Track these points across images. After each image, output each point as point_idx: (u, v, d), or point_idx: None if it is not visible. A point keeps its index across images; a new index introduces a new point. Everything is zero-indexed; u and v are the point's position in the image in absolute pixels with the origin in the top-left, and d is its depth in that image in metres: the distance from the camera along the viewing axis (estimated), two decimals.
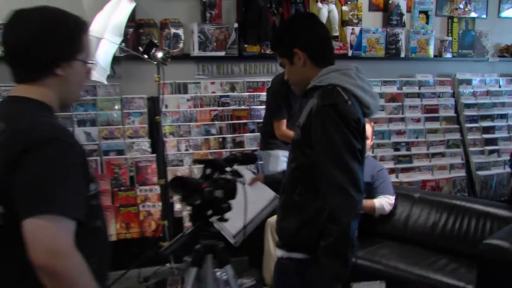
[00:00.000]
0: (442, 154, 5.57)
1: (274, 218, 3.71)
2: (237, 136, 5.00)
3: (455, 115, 5.77)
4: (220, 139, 4.95)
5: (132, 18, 4.67)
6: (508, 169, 5.54)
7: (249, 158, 2.32)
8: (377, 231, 4.03)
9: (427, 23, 5.74)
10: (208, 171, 2.04)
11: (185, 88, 4.98)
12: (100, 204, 1.68)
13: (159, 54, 3.88)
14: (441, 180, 5.45)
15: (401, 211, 3.99)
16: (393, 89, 5.54)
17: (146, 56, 3.89)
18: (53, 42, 1.55)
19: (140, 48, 4.04)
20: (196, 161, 2.12)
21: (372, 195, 3.95)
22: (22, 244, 1.37)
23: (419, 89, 5.67)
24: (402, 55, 5.62)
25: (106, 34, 3.85)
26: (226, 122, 5.01)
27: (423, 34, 5.69)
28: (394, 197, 3.96)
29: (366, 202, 3.90)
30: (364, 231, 3.87)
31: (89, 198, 1.54)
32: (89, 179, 1.56)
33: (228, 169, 2.08)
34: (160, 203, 4.62)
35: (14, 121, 1.50)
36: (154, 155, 4.70)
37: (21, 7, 1.59)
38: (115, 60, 4.52)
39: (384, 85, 5.52)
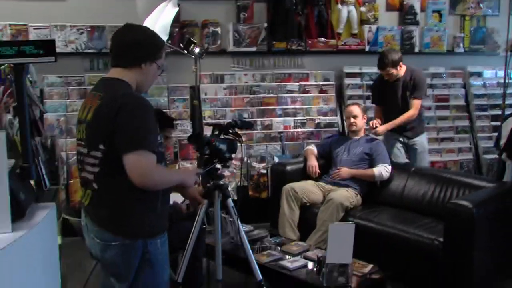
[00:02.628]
0: (451, 139, 6.21)
1: (289, 185, 4.56)
2: (266, 120, 5.80)
3: (465, 104, 6.38)
4: (251, 122, 5.77)
5: (177, 19, 5.59)
6: None
7: (246, 124, 3.10)
8: (378, 199, 4.72)
9: (440, 21, 6.37)
10: (216, 132, 2.85)
11: (222, 78, 5.83)
12: (163, 152, 2.53)
13: (196, 50, 4.72)
14: (449, 162, 6.10)
15: (398, 182, 4.68)
16: None
17: (185, 51, 4.72)
18: (145, 48, 2.40)
19: (181, 45, 4.87)
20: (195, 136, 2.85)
21: (371, 165, 4.67)
22: (117, 170, 2.20)
23: (431, 80, 6.30)
24: (416, 50, 6.28)
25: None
26: (257, 107, 5.82)
27: (436, 31, 6.33)
28: (390, 165, 4.67)
29: (366, 171, 4.66)
30: (368, 199, 4.66)
31: (158, 145, 2.39)
32: (157, 131, 2.42)
33: (230, 131, 2.88)
34: None
35: (111, 91, 2.33)
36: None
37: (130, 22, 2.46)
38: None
39: None
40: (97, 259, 2.47)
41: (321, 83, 6.05)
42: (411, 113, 4.85)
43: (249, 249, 2.90)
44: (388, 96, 4.95)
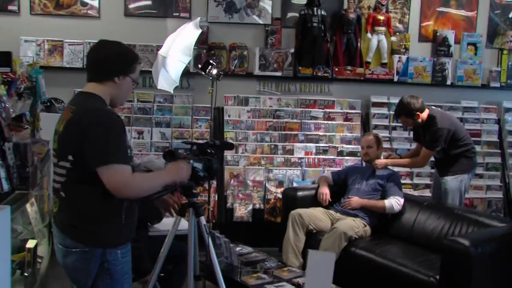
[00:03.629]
0: (480, 176, 5.99)
1: (296, 211, 4.54)
2: (287, 145, 5.81)
3: (498, 140, 6.16)
4: (272, 146, 5.80)
5: (204, 41, 5.74)
6: None
7: (225, 145, 3.12)
8: (389, 231, 4.61)
9: (475, 54, 6.21)
10: (196, 151, 2.88)
11: (247, 101, 5.90)
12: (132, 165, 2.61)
13: (214, 71, 4.80)
14: (476, 199, 5.88)
15: (409, 215, 4.55)
16: None
17: (203, 73, 4.82)
18: (117, 62, 2.49)
19: (199, 66, 4.98)
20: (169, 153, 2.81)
21: (383, 196, 4.59)
22: (82, 181, 2.29)
23: (463, 114, 6.13)
24: (448, 82, 6.14)
25: (176, 53, 4.84)
26: (279, 132, 5.84)
27: (471, 64, 6.17)
28: (402, 198, 4.57)
29: (377, 203, 4.57)
30: (378, 230, 4.57)
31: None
32: (127, 144, 2.49)
33: (208, 150, 2.91)
34: (216, 194, 5.55)
35: (83, 105, 2.44)
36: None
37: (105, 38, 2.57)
38: (190, 75, 5.58)
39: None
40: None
41: (347, 111, 6.01)
42: (417, 160, 4.74)
43: (218, 268, 2.89)
44: (422, 136, 4.84)
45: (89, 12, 5.68)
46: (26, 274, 2.56)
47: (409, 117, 4.63)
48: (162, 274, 3.19)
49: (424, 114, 4.62)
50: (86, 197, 2.35)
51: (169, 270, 3.35)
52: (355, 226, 4.41)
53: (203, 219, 2.83)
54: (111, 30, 5.68)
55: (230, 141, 5.70)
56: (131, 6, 5.75)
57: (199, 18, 4.96)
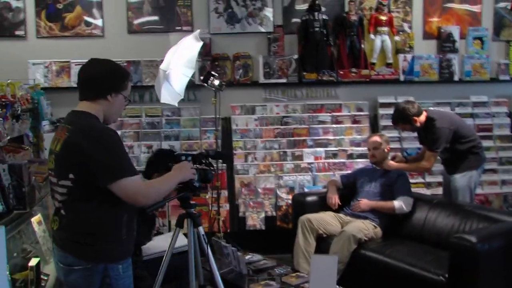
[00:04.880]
0: (494, 171, 5.91)
1: (305, 216, 4.54)
2: (296, 151, 5.81)
3: (510, 134, 6.07)
4: (281, 153, 5.81)
5: (208, 53, 5.79)
6: None
7: (220, 156, 3.15)
8: (400, 232, 4.57)
9: (482, 48, 6.15)
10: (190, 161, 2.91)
11: (253, 109, 5.93)
12: None
13: (216, 82, 4.84)
14: (491, 195, 5.80)
15: (420, 215, 4.51)
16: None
17: (205, 84, 4.86)
18: (109, 80, 2.53)
19: (201, 78, 5.02)
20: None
21: (393, 197, 4.56)
22: (84, 198, 2.33)
23: (472, 109, 6.06)
24: (456, 78, 6.08)
25: (179, 67, 4.89)
26: (287, 138, 5.85)
27: (478, 58, 6.10)
28: (412, 198, 4.53)
29: (386, 204, 4.55)
30: (389, 231, 4.54)
31: None
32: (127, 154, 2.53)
33: (203, 161, 2.94)
34: (228, 204, 5.57)
35: (79, 124, 2.48)
36: (225, 164, 5.69)
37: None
38: (196, 87, 5.64)
39: (437, 106, 5.98)
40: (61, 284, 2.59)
41: (355, 113, 6.00)
42: (423, 164, 4.65)
43: (219, 277, 2.90)
44: (424, 139, 4.79)
45: (93, 31, 5.79)
46: None
47: (407, 123, 4.60)
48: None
49: (422, 118, 4.58)
50: (87, 214, 2.38)
51: (176, 284, 3.39)
52: (364, 228, 4.39)
53: (201, 229, 2.86)
54: (115, 47, 5.78)
55: (237, 150, 5.74)
56: (135, 23, 5.84)
57: (198, 31, 5.02)
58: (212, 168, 2.91)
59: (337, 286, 3.54)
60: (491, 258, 3.42)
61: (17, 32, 5.74)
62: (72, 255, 2.40)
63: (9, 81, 3.25)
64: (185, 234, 3.10)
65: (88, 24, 5.77)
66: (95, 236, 2.39)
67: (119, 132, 5.61)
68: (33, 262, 2.65)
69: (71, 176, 2.35)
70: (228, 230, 5.48)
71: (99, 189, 2.34)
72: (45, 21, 5.72)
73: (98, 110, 2.51)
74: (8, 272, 2.46)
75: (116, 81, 2.54)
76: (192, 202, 2.87)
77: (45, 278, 2.95)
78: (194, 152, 2.91)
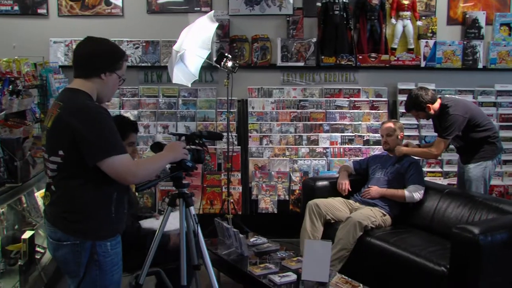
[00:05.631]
0: None
1: (313, 201, 4.51)
2: (312, 135, 5.76)
3: None
4: (297, 137, 5.77)
5: (227, 34, 5.77)
6: None
7: (213, 136, 3.13)
8: (410, 221, 4.50)
9: (509, 35, 5.95)
10: (184, 142, 2.91)
11: (270, 92, 5.89)
12: None
13: (229, 64, 4.82)
14: (511, 186, 5.64)
15: (431, 204, 4.42)
16: (468, 99, 5.79)
17: (218, 66, 4.85)
18: (105, 59, 2.54)
19: (214, 58, 5.01)
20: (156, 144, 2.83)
21: (404, 185, 4.48)
22: (73, 174, 2.37)
23: (496, 98, 5.88)
24: (480, 66, 5.91)
25: (194, 48, 4.88)
26: (303, 122, 5.80)
27: (504, 46, 5.91)
28: (423, 187, 4.45)
29: (397, 192, 4.47)
30: (399, 220, 4.48)
31: None
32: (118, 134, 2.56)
33: (196, 141, 2.93)
34: (241, 187, 5.58)
35: (70, 102, 2.53)
36: (239, 147, 5.69)
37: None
38: (213, 68, 5.63)
39: (459, 94, 5.84)
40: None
41: (373, 99, 5.90)
42: (431, 150, 4.54)
43: (208, 259, 2.90)
44: (438, 127, 4.69)
45: (113, 11, 5.83)
46: (20, 263, 2.67)
47: (420, 110, 4.50)
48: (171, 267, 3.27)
49: (436, 105, 4.46)
50: (76, 191, 2.40)
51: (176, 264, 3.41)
52: (372, 215, 4.33)
53: (192, 209, 2.87)
54: (134, 27, 5.82)
55: (253, 132, 5.72)
56: (154, 3, 5.86)
57: (213, 12, 4.99)
58: (205, 148, 2.90)
59: (339, 274, 3.54)
60: (493, 250, 3.32)
61: (39, 11, 5.83)
62: (61, 230, 2.44)
63: (16, 57, 3.31)
64: None
65: (108, 3, 5.82)
66: (83, 213, 2.42)
67: (135, 112, 5.74)
68: (26, 234, 2.70)
69: (60, 152, 2.38)
70: (240, 213, 5.50)
71: (88, 167, 2.35)
72: (67, 0, 5.80)
73: (91, 88, 2.52)
74: None
75: (110, 60, 2.54)
76: (184, 181, 2.87)
77: (42, 251, 3.00)
78: (188, 133, 2.89)
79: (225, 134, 5.35)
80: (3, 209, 2.93)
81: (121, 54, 2.61)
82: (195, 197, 5.33)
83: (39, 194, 3.47)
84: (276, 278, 3.42)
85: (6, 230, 2.90)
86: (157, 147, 2.80)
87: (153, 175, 2.57)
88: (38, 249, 2.93)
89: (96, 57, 2.51)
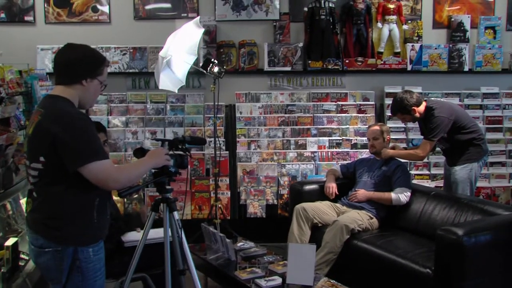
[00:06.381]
0: (502, 164, 5.78)
1: (300, 205, 4.52)
2: (299, 139, 5.79)
3: None
4: (285, 141, 5.79)
5: (214, 39, 5.79)
6: None
7: (196, 141, 3.15)
8: (397, 223, 4.52)
9: (494, 38, 6.00)
10: (166, 147, 2.92)
11: (258, 97, 5.92)
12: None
13: (215, 69, 4.84)
14: (498, 188, 5.68)
15: (417, 206, 4.44)
16: (455, 101, 5.83)
17: (205, 71, 4.86)
18: (86, 65, 2.55)
19: (200, 64, 5.03)
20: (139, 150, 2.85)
21: (391, 188, 4.51)
22: (54, 181, 2.37)
23: (482, 101, 5.93)
24: (466, 69, 5.95)
25: (181, 54, 4.89)
26: (291, 127, 5.83)
27: (489, 48, 5.96)
28: (410, 190, 4.48)
29: (384, 195, 4.50)
30: (386, 222, 4.50)
31: None
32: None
33: (180, 146, 2.94)
34: (229, 191, 5.59)
35: (51, 108, 2.54)
36: (227, 152, 5.70)
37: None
38: (201, 74, 5.63)
39: (446, 97, 5.88)
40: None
41: (360, 103, 5.93)
42: (416, 152, 4.57)
43: (192, 263, 2.91)
44: (423, 129, 4.72)
45: (100, 17, 5.84)
46: (3, 271, 2.67)
47: (406, 113, 4.54)
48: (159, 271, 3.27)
49: (421, 108, 4.50)
50: (58, 197, 2.40)
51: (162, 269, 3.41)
52: (358, 218, 4.35)
53: (176, 214, 2.87)
54: (122, 33, 5.83)
55: (240, 137, 5.74)
56: (141, 9, 5.87)
57: (198, 17, 5.00)
58: (188, 153, 2.91)
59: (325, 277, 3.55)
60: (478, 251, 3.35)
61: (26, 18, 5.83)
62: (43, 237, 2.43)
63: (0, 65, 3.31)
64: None
65: (95, 10, 5.83)
66: (64, 219, 2.41)
67: (123, 118, 5.74)
68: (9, 242, 2.70)
69: (41, 159, 2.38)
70: (228, 217, 5.51)
71: (70, 173, 2.35)
72: (53, 7, 5.80)
73: (72, 94, 2.52)
74: None
75: (91, 66, 2.54)
76: (168, 187, 2.88)
77: (27, 257, 3.00)
78: (170, 139, 2.90)
79: (212, 139, 5.38)
80: None
81: (102, 60, 2.61)
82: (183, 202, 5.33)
83: (24, 201, 3.46)
84: (262, 282, 3.42)
85: None
86: (140, 152, 2.81)
87: (136, 181, 2.58)
88: (22, 256, 2.93)
89: (76, 63, 2.51)
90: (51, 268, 2.46)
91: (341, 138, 5.82)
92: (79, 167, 2.34)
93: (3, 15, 5.80)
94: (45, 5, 5.80)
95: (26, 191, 3.29)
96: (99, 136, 3.34)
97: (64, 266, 2.43)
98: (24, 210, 3.44)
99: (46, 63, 5.72)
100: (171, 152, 2.85)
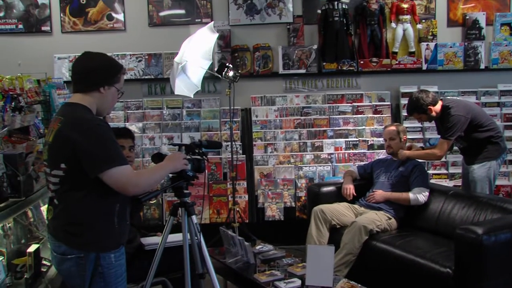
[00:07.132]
0: None
1: (318, 207, 4.52)
2: (316, 141, 5.79)
3: None
4: (301, 144, 5.80)
5: (228, 44, 5.83)
6: None
7: (213, 145, 3.17)
8: (415, 223, 4.50)
9: (510, 34, 5.95)
10: (183, 151, 2.95)
11: (273, 100, 5.93)
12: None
13: (230, 73, 4.87)
14: None
15: (435, 206, 4.42)
16: (471, 100, 5.79)
17: (220, 76, 4.89)
18: (103, 73, 2.59)
19: (215, 68, 5.06)
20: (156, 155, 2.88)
21: (408, 188, 4.49)
22: (76, 187, 2.41)
23: (499, 98, 5.88)
24: (482, 66, 5.91)
25: (196, 59, 4.93)
26: (307, 129, 5.83)
27: (506, 45, 5.91)
28: (428, 189, 4.45)
29: (402, 195, 4.48)
30: (405, 223, 4.48)
31: None
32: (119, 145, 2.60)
33: (196, 151, 2.97)
34: (247, 195, 5.61)
35: (71, 116, 2.58)
36: (244, 155, 5.72)
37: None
38: (216, 79, 5.66)
39: (462, 95, 5.84)
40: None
41: (376, 103, 5.91)
42: (433, 152, 4.56)
43: (211, 266, 2.93)
44: (440, 128, 4.70)
45: (115, 25, 5.92)
46: (26, 277, 2.72)
47: (422, 113, 4.52)
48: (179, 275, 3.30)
49: (438, 107, 4.48)
50: (79, 203, 2.43)
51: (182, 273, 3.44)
52: (377, 219, 4.34)
53: (194, 218, 2.90)
54: (137, 40, 5.90)
55: (257, 140, 5.75)
56: (155, 16, 5.93)
57: (212, 22, 5.04)
58: (205, 157, 2.93)
59: (345, 279, 3.54)
60: (497, 250, 3.33)
61: (43, 28, 5.92)
62: (65, 244, 2.46)
63: (18, 75, 3.37)
64: None
65: (110, 18, 5.90)
66: (86, 225, 2.44)
67: (140, 124, 5.80)
68: (32, 248, 2.74)
69: (62, 166, 2.41)
70: (246, 221, 5.52)
71: (90, 179, 2.39)
72: (69, 16, 5.89)
73: (90, 102, 2.56)
74: (4, 258, 2.56)
75: (108, 74, 2.58)
76: (186, 191, 2.90)
77: (49, 264, 3.04)
78: (187, 143, 2.93)
79: (228, 143, 5.40)
80: (9, 224, 2.98)
81: (119, 68, 2.65)
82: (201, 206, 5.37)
83: (45, 208, 3.51)
84: (282, 285, 3.43)
85: (12, 244, 2.95)
86: (157, 157, 2.84)
87: (155, 186, 2.62)
88: (44, 262, 2.97)
89: (94, 71, 2.55)
90: (73, 275, 2.49)
91: (357, 139, 5.81)
92: (100, 173, 2.37)
93: (21, 26, 5.90)
94: (61, 15, 5.89)
95: (46, 198, 3.35)
96: (126, 141, 3.44)
97: (87, 273, 2.46)
98: (45, 217, 3.50)
99: (63, 71, 5.80)
100: (188, 157, 2.88)
